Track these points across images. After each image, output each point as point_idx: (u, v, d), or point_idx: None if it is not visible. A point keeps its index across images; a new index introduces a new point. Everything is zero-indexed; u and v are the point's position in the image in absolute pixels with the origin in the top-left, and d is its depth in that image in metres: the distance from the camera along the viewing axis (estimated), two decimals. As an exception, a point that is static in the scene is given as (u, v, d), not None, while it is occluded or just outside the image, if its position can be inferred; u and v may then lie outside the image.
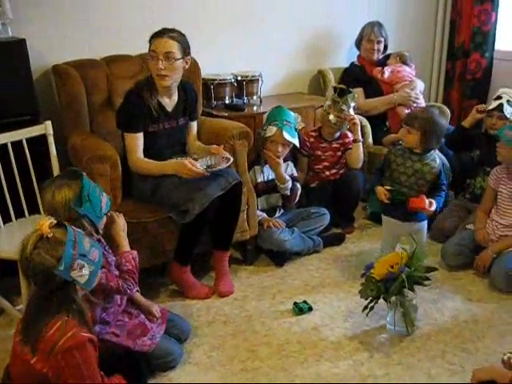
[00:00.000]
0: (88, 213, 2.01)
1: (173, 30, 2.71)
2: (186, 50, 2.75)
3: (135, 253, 2.27)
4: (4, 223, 2.64)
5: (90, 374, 1.72)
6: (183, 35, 2.75)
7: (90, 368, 1.72)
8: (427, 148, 2.79)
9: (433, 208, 2.75)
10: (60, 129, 2.96)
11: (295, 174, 3.35)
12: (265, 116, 3.27)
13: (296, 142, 3.19)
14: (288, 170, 3.32)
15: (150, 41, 2.71)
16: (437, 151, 2.99)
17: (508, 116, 3.17)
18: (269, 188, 3.26)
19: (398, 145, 3.63)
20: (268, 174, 3.25)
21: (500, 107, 3.19)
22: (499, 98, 3.24)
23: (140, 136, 2.74)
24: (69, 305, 1.73)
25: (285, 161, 3.28)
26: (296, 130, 3.20)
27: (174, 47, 2.68)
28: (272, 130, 3.12)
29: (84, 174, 2.08)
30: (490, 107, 3.27)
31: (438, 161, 2.78)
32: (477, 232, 3.05)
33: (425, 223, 2.92)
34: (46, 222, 1.70)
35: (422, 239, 2.79)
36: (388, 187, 2.81)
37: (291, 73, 4.15)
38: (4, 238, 2.55)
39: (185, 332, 2.48)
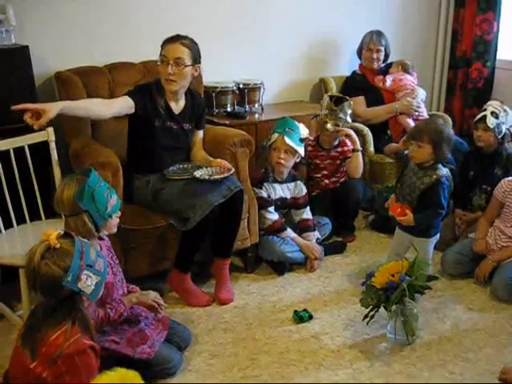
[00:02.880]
0: (89, 209, 2.01)
1: (185, 37, 2.74)
2: (196, 57, 2.78)
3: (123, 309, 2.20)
4: (5, 229, 2.64)
5: (90, 381, 1.72)
6: (195, 43, 2.78)
7: (89, 375, 1.71)
8: (439, 159, 2.71)
9: (403, 219, 2.72)
10: (62, 135, 2.96)
11: (304, 193, 3.28)
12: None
13: (300, 150, 3.15)
14: (297, 190, 3.27)
15: (162, 45, 2.74)
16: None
17: (492, 127, 3.16)
18: (283, 205, 3.25)
19: (401, 154, 3.65)
20: (276, 191, 3.21)
21: (484, 119, 3.18)
22: (484, 109, 3.23)
23: (128, 100, 2.69)
24: (74, 314, 1.73)
25: (293, 180, 3.27)
26: (301, 140, 3.16)
27: (185, 53, 2.71)
28: (274, 137, 3.13)
29: (95, 171, 2.08)
30: (475, 119, 3.26)
31: (434, 176, 2.68)
32: (477, 242, 3.05)
33: (427, 239, 2.82)
34: (53, 233, 1.70)
35: (424, 254, 2.77)
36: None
37: (293, 81, 4.16)
38: (5, 244, 2.55)
39: (185, 339, 2.47)
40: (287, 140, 3.08)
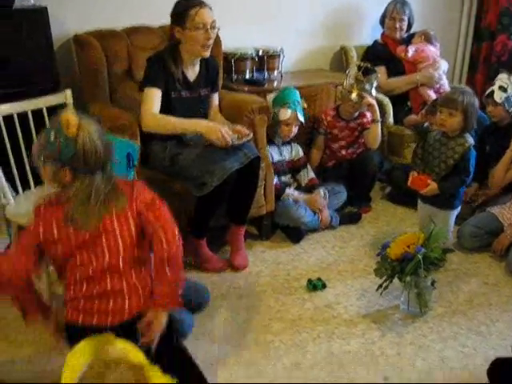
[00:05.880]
0: None
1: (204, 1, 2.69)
2: None
3: None
4: (23, 191, 2.66)
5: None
6: None
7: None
8: (466, 130, 2.73)
9: (427, 189, 2.73)
10: (80, 99, 2.96)
11: (302, 154, 3.38)
12: (270, 98, 3.24)
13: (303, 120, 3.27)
14: (294, 152, 3.36)
15: (188, 12, 2.63)
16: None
17: (500, 101, 3.11)
18: (284, 168, 3.29)
19: (420, 127, 3.61)
20: (282, 152, 3.30)
21: (492, 94, 3.14)
22: (493, 84, 3.19)
23: (158, 92, 2.65)
24: None
25: (288, 143, 3.36)
26: (303, 108, 3.25)
27: (214, 16, 2.70)
28: (287, 113, 3.16)
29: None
30: (485, 94, 3.23)
31: (466, 144, 2.70)
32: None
33: (450, 211, 2.84)
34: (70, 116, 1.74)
35: (446, 226, 2.78)
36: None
37: (313, 49, 4.11)
38: (23, 205, 2.56)
39: (205, 297, 2.53)
40: (300, 117, 3.19)
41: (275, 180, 3.19)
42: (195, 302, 2.45)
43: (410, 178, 2.85)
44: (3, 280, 1.76)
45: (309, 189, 3.32)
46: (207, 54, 2.73)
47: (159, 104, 2.66)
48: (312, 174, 3.38)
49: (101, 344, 1.18)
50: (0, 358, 1.67)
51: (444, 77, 3.89)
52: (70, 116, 1.73)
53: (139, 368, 1.11)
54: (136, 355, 1.14)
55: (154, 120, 2.62)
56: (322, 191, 3.29)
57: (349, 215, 3.41)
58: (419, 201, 2.92)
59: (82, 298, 1.81)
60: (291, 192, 3.23)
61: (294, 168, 3.35)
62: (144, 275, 1.87)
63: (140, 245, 1.86)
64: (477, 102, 2.75)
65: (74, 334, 1.79)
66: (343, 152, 3.53)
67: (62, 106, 2.69)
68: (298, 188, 3.34)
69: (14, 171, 2.60)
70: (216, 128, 2.58)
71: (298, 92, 3.24)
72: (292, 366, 2.21)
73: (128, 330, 1.75)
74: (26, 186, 2.67)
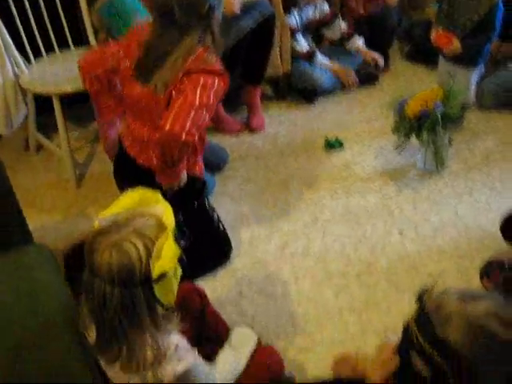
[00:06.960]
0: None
1: None
2: None
3: None
4: (34, 58, 2.63)
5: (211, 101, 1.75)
6: None
7: (211, 95, 1.75)
8: None
9: (451, 48, 2.63)
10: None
11: (326, 10, 3.21)
12: None
13: None
14: (318, 10, 3.20)
15: None
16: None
17: None
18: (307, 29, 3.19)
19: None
20: (306, 14, 3.15)
21: None
22: None
23: None
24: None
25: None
26: None
27: None
28: None
29: None
30: None
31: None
32: None
33: (472, 69, 2.75)
34: None
35: (466, 84, 2.72)
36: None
37: None
38: (36, 74, 2.54)
39: (223, 158, 2.58)
40: None
41: (305, 45, 3.10)
42: (214, 162, 2.50)
43: (434, 34, 2.74)
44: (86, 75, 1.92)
45: (344, 40, 3.28)
46: None
47: None
48: (344, 26, 3.27)
49: (148, 197, 1.26)
50: (31, 224, 1.75)
51: None
52: None
53: (163, 228, 1.18)
54: (169, 218, 1.21)
55: None
56: (357, 38, 3.27)
57: (365, 75, 3.33)
58: (440, 57, 2.82)
59: (131, 136, 1.95)
60: (322, 59, 3.13)
61: (322, 25, 3.23)
62: None
63: None
64: None
65: (120, 157, 2.05)
66: (361, 10, 3.39)
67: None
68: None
69: (24, 40, 2.55)
70: None
71: None
72: (311, 222, 2.29)
73: None
74: (37, 54, 2.64)
